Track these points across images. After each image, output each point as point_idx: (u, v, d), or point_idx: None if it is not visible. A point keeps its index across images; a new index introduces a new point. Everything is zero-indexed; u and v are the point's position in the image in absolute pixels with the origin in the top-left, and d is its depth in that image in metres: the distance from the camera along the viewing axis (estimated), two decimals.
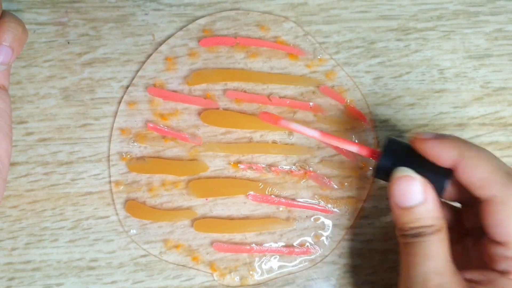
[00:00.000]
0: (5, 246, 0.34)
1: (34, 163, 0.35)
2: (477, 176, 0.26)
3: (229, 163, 0.35)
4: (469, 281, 0.27)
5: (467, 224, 0.30)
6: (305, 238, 0.35)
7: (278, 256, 0.34)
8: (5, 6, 0.36)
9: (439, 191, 0.27)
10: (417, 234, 0.26)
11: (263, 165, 0.35)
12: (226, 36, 0.36)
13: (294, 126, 0.30)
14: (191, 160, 0.35)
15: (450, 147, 0.26)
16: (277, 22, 0.36)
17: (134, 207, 0.34)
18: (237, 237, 0.35)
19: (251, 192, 0.35)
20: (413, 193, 0.26)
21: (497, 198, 0.25)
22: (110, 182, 0.35)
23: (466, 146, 0.26)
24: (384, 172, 0.28)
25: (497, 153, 0.35)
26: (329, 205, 0.35)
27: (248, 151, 0.35)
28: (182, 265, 0.34)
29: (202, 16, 0.36)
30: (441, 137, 0.27)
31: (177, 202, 0.35)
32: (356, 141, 0.35)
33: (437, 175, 0.27)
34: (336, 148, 0.35)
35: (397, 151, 0.28)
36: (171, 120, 0.35)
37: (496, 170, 0.26)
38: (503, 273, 0.26)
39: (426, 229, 0.26)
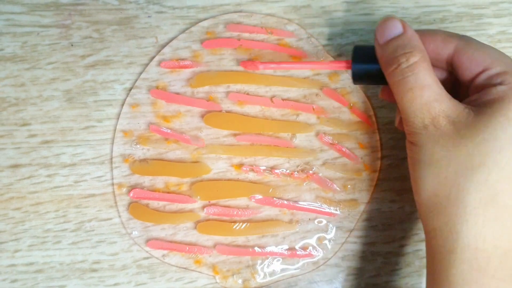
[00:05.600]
0: (8, 248, 0.34)
1: (37, 165, 0.35)
2: (436, 40, 0.29)
3: (232, 166, 0.35)
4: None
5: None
6: (308, 240, 0.34)
7: (280, 259, 0.34)
8: (8, 9, 0.36)
9: None
10: (406, 70, 0.27)
11: (266, 168, 0.35)
12: (230, 38, 0.36)
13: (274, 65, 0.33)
14: (194, 162, 0.35)
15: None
16: (280, 24, 0.36)
17: (137, 209, 0.34)
18: (240, 239, 0.35)
19: (255, 195, 0.35)
20: (393, 27, 0.28)
21: (458, 46, 0.28)
22: (113, 184, 0.35)
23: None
24: (361, 76, 0.31)
25: None
26: (332, 208, 0.35)
27: (250, 153, 0.35)
28: (184, 268, 0.34)
29: (205, 19, 0.36)
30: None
31: (180, 204, 0.35)
32: (359, 142, 0.35)
33: None
34: (339, 150, 0.35)
35: (366, 55, 0.30)
36: (174, 122, 0.35)
37: (450, 33, 0.29)
38: (496, 84, 0.27)
39: (411, 56, 0.27)
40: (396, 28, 0.28)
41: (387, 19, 0.29)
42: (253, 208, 0.35)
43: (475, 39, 0.29)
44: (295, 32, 0.36)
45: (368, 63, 0.30)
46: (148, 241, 0.34)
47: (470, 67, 0.28)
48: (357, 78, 0.31)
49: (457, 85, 0.30)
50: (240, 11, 0.36)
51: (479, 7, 0.37)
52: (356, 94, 0.36)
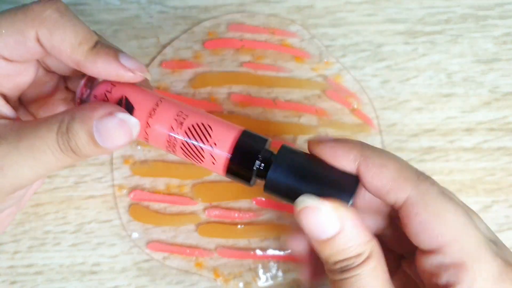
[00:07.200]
0: (7, 250, 0.34)
1: None
2: (384, 177, 0.22)
3: None
4: None
5: (397, 249, 0.27)
6: None
7: (282, 262, 0.34)
8: None
9: (348, 200, 0.23)
10: (345, 269, 0.22)
11: None
12: (232, 38, 0.36)
13: None
14: None
15: (350, 148, 0.23)
16: (283, 24, 0.36)
17: (137, 211, 0.34)
18: (241, 242, 0.34)
19: (257, 197, 0.34)
20: (326, 224, 0.22)
21: (412, 198, 0.22)
22: (113, 185, 0.35)
23: (369, 148, 0.23)
24: (277, 188, 0.24)
25: (506, 159, 0.35)
26: None
27: None
28: (185, 271, 0.34)
29: (207, 19, 0.36)
30: (340, 139, 0.24)
31: (181, 207, 0.34)
32: None
33: (343, 183, 0.23)
34: None
35: (290, 161, 0.24)
36: None
37: (404, 169, 0.22)
38: (447, 286, 0.22)
39: (353, 260, 0.22)
40: (332, 225, 0.22)
41: (315, 211, 0.22)
42: (255, 211, 0.34)
43: (437, 186, 0.22)
44: (298, 32, 0.36)
45: (293, 174, 0.23)
46: (148, 243, 0.34)
47: (422, 236, 0.22)
48: (273, 188, 0.24)
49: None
50: (243, 12, 0.36)
51: (484, 8, 0.36)
52: (358, 96, 0.35)
